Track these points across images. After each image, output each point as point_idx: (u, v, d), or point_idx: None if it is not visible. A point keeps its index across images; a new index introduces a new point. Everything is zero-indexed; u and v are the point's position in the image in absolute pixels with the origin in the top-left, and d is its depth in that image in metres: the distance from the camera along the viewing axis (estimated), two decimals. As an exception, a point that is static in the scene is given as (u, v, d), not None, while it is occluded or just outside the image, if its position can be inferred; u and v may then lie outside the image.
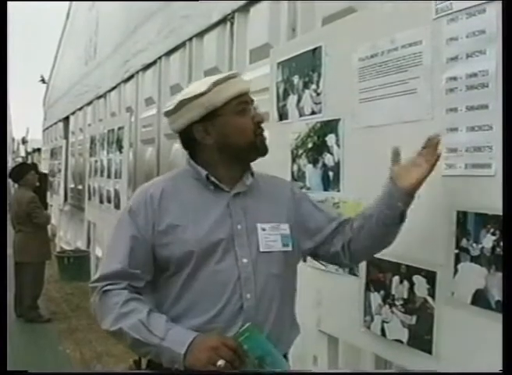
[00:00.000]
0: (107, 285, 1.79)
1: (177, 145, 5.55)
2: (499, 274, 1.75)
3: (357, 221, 1.96)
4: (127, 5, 7.63)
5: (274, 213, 1.92)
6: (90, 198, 7.75)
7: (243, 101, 1.85)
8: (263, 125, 1.90)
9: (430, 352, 2.00)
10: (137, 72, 7.31)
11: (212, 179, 1.86)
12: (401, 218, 1.87)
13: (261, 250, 1.84)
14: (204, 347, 1.64)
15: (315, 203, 2.08)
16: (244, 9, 4.46)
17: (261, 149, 1.88)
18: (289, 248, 1.90)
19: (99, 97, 9.82)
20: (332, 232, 1.99)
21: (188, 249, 1.78)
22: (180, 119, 1.88)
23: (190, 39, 5.52)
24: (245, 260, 1.81)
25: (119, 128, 6.28)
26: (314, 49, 2.63)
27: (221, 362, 1.61)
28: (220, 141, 1.85)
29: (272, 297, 1.84)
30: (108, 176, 6.62)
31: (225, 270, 1.79)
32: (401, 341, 2.13)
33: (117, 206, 6.01)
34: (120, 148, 6.17)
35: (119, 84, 8.37)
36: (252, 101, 1.89)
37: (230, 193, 1.87)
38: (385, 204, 1.86)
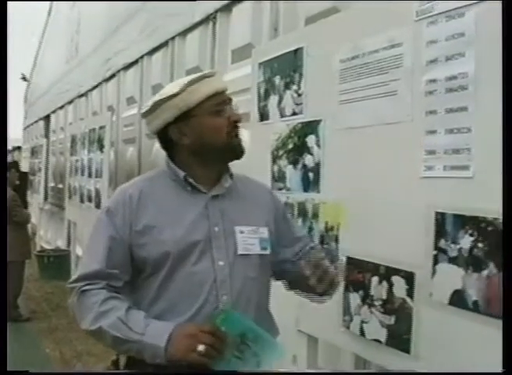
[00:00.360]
0: (85, 285, 1.78)
1: (158, 145, 5.51)
2: (476, 275, 1.77)
3: (307, 261, 1.95)
4: (109, 3, 7.60)
5: (253, 216, 1.91)
6: (70, 197, 7.71)
7: (219, 101, 1.83)
8: (242, 126, 1.89)
9: (408, 352, 2.02)
10: (119, 71, 7.28)
11: (190, 180, 1.85)
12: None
13: (239, 253, 1.83)
14: (182, 336, 1.65)
15: (291, 221, 2.11)
16: (227, 9, 4.46)
17: (236, 151, 1.86)
18: (268, 252, 1.89)
19: (80, 95, 9.76)
20: (291, 258, 1.99)
21: (164, 250, 1.77)
22: (156, 120, 1.87)
23: (173, 38, 5.51)
24: (221, 263, 1.80)
25: (101, 127, 6.26)
26: (296, 50, 2.64)
27: (201, 348, 1.61)
28: (195, 141, 1.83)
29: (249, 299, 1.83)
30: (89, 176, 6.60)
31: (201, 272, 1.78)
32: (380, 341, 2.15)
33: (98, 206, 5.99)
34: (101, 147, 6.15)
35: (100, 83, 8.33)
36: (230, 100, 1.87)
37: (208, 195, 1.86)
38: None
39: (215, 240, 1.82)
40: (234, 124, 1.84)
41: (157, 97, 1.86)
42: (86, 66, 9.35)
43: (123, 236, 1.81)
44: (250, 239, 1.86)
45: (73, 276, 1.85)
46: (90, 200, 6.47)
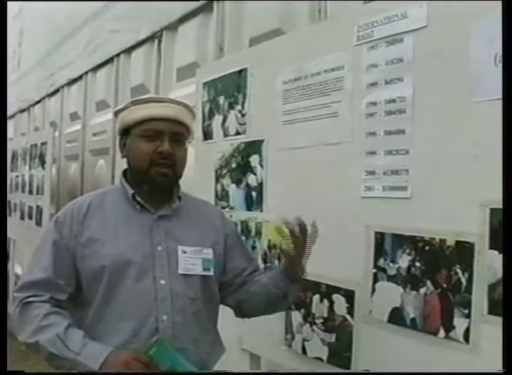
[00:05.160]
0: (29, 297, 1.78)
1: (102, 161, 5.50)
2: (414, 293, 1.82)
3: (255, 285, 1.99)
4: (53, 16, 7.51)
5: (198, 237, 1.91)
6: (10, 214, 7.54)
7: (154, 127, 1.83)
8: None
9: (349, 369, 2.04)
10: (63, 86, 7.19)
11: (138, 199, 1.86)
12: (285, 296, 1.93)
13: (180, 272, 1.84)
14: (116, 362, 1.65)
15: (244, 245, 2.13)
16: (173, 27, 4.47)
17: (152, 181, 1.84)
18: (211, 273, 1.90)
19: (22, 110, 9.59)
20: (240, 284, 2.02)
21: (101, 264, 1.78)
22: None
23: (118, 55, 5.48)
24: (163, 281, 1.81)
25: (42, 143, 6.14)
26: (240, 70, 2.67)
27: None
28: (127, 158, 1.90)
29: (190, 319, 1.84)
30: (30, 192, 6.47)
31: (141, 290, 1.79)
32: (321, 359, 2.17)
33: (39, 223, 5.87)
34: (43, 163, 6.04)
35: (43, 98, 8.20)
36: (174, 133, 1.84)
37: (155, 215, 1.87)
38: (273, 282, 1.92)
39: (157, 258, 1.82)
40: (160, 155, 1.82)
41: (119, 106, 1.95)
42: (28, 81, 9.20)
43: (69, 246, 1.81)
44: (193, 259, 1.86)
45: (18, 284, 1.85)
46: (30, 217, 6.34)
